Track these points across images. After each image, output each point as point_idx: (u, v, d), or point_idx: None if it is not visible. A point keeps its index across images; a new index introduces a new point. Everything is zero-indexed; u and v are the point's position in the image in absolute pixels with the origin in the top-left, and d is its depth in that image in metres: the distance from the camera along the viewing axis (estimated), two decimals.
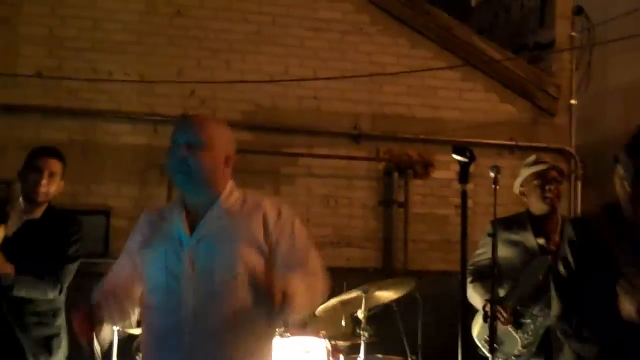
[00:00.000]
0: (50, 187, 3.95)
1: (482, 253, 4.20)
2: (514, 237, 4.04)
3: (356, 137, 7.11)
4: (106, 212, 6.49)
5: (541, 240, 3.98)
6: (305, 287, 2.48)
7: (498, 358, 4.03)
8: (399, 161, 7.10)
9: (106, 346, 2.59)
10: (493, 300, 3.65)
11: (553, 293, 2.44)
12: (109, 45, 6.71)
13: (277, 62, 6.98)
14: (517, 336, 3.93)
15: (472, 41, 7.34)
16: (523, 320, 3.96)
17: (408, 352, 4.77)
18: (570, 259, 2.40)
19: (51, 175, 3.96)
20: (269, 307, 2.36)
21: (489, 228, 4.01)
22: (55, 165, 4.02)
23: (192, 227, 2.60)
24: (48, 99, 6.57)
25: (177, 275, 2.54)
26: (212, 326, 2.50)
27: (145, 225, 2.72)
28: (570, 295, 2.38)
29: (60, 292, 3.83)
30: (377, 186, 7.14)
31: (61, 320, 3.92)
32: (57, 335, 3.89)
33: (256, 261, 2.57)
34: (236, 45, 6.93)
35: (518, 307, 3.95)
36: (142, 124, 6.74)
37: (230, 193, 2.70)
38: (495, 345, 4.03)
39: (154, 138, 6.73)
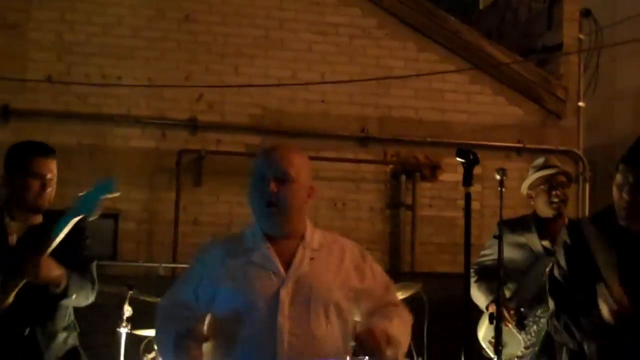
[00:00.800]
0: (52, 192, 3.47)
1: (488, 254, 4.21)
2: (520, 239, 4.05)
3: (364, 141, 7.12)
4: (115, 216, 6.53)
5: (546, 243, 3.99)
6: (402, 327, 2.56)
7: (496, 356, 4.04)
8: (407, 164, 7.11)
9: None
10: (499, 302, 3.65)
11: (548, 293, 2.54)
12: (118, 50, 6.75)
13: (285, 66, 7.00)
14: (520, 337, 3.94)
15: (480, 44, 7.35)
16: (526, 322, 3.96)
17: (414, 353, 4.78)
18: (563, 261, 2.50)
19: (51, 178, 3.47)
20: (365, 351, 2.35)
21: (495, 230, 4.01)
22: (54, 165, 3.51)
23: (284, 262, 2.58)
24: (57, 104, 6.62)
25: (273, 310, 2.48)
26: None
27: (215, 257, 2.63)
28: (560, 296, 2.49)
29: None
30: (384, 189, 7.16)
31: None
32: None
33: (347, 305, 2.59)
34: (244, 50, 6.96)
35: (521, 309, 3.96)
36: (150, 128, 6.78)
37: (313, 231, 2.71)
38: (500, 347, 4.05)
39: (163, 142, 6.77)
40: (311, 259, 2.59)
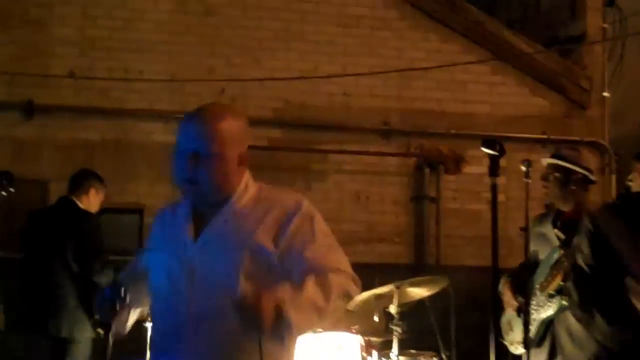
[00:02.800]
0: None
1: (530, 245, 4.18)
2: (541, 229, 4.02)
3: (386, 133, 7.09)
4: (139, 211, 6.55)
5: (558, 232, 3.94)
6: (312, 292, 2.19)
7: (505, 342, 4.02)
8: (430, 156, 7.07)
9: (125, 331, 2.53)
10: (526, 295, 3.63)
11: (571, 282, 2.50)
12: (140, 44, 6.77)
13: (307, 59, 6.98)
14: (521, 322, 3.91)
15: (502, 35, 7.28)
16: (529, 309, 3.92)
17: (441, 347, 4.76)
18: (587, 249, 2.47)
19: None
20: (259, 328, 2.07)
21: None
22: None
23: (199, 231, 2.37)
24: (81, 99, 6.65)
25: (177, 284, 2.33)
26: (202, 346, 2.26)
27: (157, 224, 2.53)
28: (586, 287, 2.46)
29: None
30: (408, 182, 7.12)
31: None
32: None
33: (262, 273, 2.29)
34: (266, 43, 6.96)
35: (522, 298, 3.93)
36: (173, 122, 6.77)
37: (245, 190, 2.42)
38: (504, 332, 4.04)
39: None
40: (225, 221, 2.36)
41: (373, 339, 4.47)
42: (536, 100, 7.36)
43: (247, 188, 2.43)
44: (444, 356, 4.73)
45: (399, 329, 4.34)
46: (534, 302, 3.87)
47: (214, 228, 2.34)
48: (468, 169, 7.12)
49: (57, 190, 6.56)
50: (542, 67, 7.33)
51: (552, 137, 7.22)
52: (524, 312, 3.79)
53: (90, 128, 6.67)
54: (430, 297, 4.64)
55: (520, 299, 3.94)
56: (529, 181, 3.55)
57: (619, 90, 7.45)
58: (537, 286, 3.85)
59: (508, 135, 6.88)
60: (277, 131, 6.82)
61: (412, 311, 4.62)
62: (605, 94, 7.39)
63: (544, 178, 3.97)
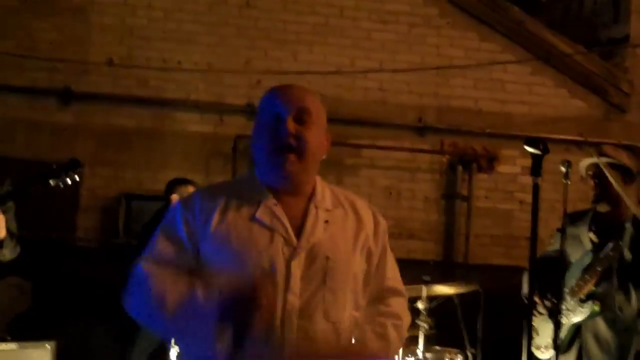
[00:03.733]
0: None
1: (550, 245, 4.12)
2: (575, 231, 3.95)
3: (421, 130, 7.06)
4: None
5: (592, 236, 3.87)
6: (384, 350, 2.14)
7: (532, 348, 3.98)
8: (463, 155, 7.03)
9: None
10: (560, 297, 3.58)
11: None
12: (179, 35, 6.81)
13: (344, 54, 6.97)
14: (549, 326, 3.85)
15: (542, 35, 7.20)
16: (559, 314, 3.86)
17: (467, 345, 4.73)
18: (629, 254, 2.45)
19: None
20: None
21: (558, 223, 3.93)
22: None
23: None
24: (118, 87, 6.72)
25: (281, 285, 2.02)
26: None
27: (221, 202, 2.09)
28: (624, 270, 2.43)
29: None
30: (440, 179, 7.09)
31: None
32: None
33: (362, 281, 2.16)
34: (303, 37, 6.96)
35: (555, 300, 3.85)
36: (209, 113, 6.83)
37: (323, 186, 2.20)
38: (533, 335, 3.98)
39: (220, 127, 6.82)
40: (326, 221, 2.11)
41: None
42: (575, 102, 7.27)
43: (323, 184, 2.22)
44: (469, 354, 4.71)
45: (425, 325, 4.33)
46: (563, 307, 3.81)
47: (317, 227, 2.09)
48: (501, 168, 7.07)
49: (91, 175, 6.64)
50: (582, 68, 7.24)
51: (589, 139, 7.12)
52: (554, 315, 3.74)
53: (127, 116, 6.73)
54: (458, 295, 4.62)
55: (547, 302, 3.86)
56: (568, 182, 3.50)
57: None
58: (567, 290, 3.79)
59: (545, 136, 6.79)
60: None
61: (440, 308, 4.60)
62: None
63: (596, 176, 3.86)
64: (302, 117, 2.10)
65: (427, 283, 4.35)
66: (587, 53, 7.29)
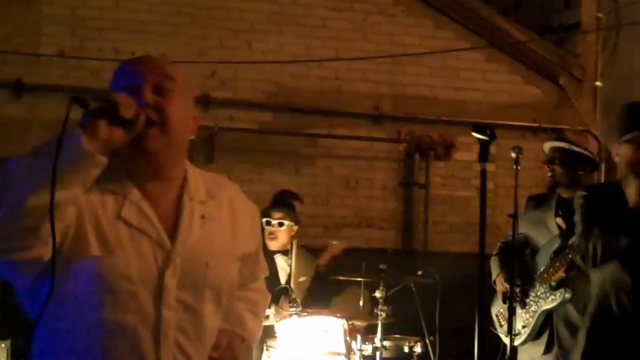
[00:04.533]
0: None
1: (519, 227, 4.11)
2: (540, 215, 3.96)
3: (377, 118, 7.07)
4: None
5: (560, 221, 3.89)
6: (257, 327, 2.11)
7: (499, 333, 4.01)
8: (420, 143, 7.06)
9: None
10: (512, 282, 3.61)
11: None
12: (131, 25, 6.71)
13: (299, 43, 6.94)
14: (522, 315, 3.88)
15: (496, 22, 7.25)
16: (527, 300, 3.88)
17: (426, 333, 4.77)
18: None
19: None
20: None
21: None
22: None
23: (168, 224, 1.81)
24: (70, 79, 6.60)
25: (154, 298, 1.76)
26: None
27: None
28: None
29: None
30: (397, 167, 7.12)
31: None
32: None
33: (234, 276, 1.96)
34: (258, 26, 6.91)
35: (525, 287, 3.87)
36: None
37: (195, 175, 1.92)
38: (502, 322, 4.02)
39: None
40: (202, 216, 1.84)
41: (357, 323, 4.47)
42: (528, 89, 7.35)
43: (193, 169, 1.96)
44: (427, 341, 4.74)
45: (383, 314, 4.34)
46: (532, 294, 3.83)
47: (192, 226, 1.82)
48: (458, 155, 7.12)
49: None
50: (535, 55, 7.31)
51: (543, 125, 7.21)
52: (519, 300, 3.77)
53: (80, 108, 6.60)
54: (416, 283, 4.64)
55: (516, 289, 3.86)
56: (519, 168, 3.53)
57: (612, 80, 7.43)
58: (536, 276, 3.80)
59: (499, 123, 6.87)
60: (268, 114, 6.79)
61: (397, 296, 4.62)
62: (598, 83, 7.37)
63: (550, 161, 3.86)
64: (163, 86, 1.79)
65: (384, 272, 4.36)
66: (540, 39, 7.36)
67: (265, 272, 2.19)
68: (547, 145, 3.96)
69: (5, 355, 4.53)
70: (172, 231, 1.79)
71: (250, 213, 2.01)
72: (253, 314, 2.08)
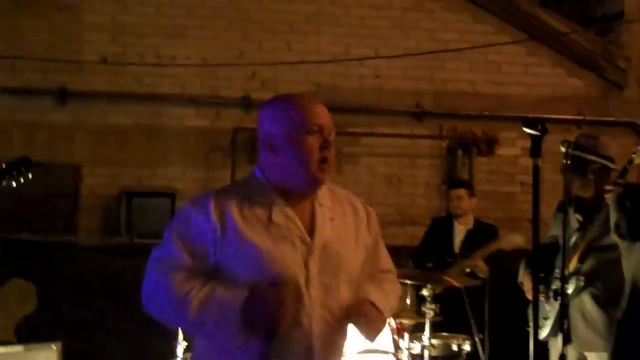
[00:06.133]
0: None
1: (549, 232, 4.12)
2: (564, 217, 3.95)
3: (419, 115, 7.03)
4: (171, 195, 6.58)
5: (578, 216, 3.87)
6: (385, 299, 2.38)
7: (529, 329, 3.97)
8: (463, 139, 7.00)
9: None
10: (545, 280, 3.57)
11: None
12: (171, 30, 6.77)
13: (338, 42, 6.94)
14: (544, 307, 3.87)
15: (537, 14, 7.16)
16: (550, 293, 3.87)
17: (475, 331, 4.71)
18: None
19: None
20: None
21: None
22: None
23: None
24: (113, 85, 6.69)
25: (302, 282, 2.19)
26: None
27: (236, 202, 2.20)
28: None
29: None
30: (440, 164, 7.07)
31: None
32: None
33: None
34: (297, 26, 6.92)
35: (548, 280, 3.87)
36: (205, 107, 6.80)
37: (322, 187, 2.34)
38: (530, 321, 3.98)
39: (217, 121, 6.79)
40: (331, 219, 2.28)
41: (405, 321, 4.44)
42: (572, 81, 7.24)
43: None
44: (477, 339, 4.69)
45: (431, 312, 4.30)
46: (553, 287, 3.82)
47: (325, 226, 2.26)
48: (501, 150, 7.05)
49: (90, 174, 6.62)
50: (578, 47, 7.20)
51: (588, 118, 7.10)
52: (542, 294, 3.75)
53: (123, 113, 6.70)
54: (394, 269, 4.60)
55: (541, 287, 3.86)
56: (569, 162, 3.47)
57: None
58: (557, 271, 3.79)
59: (543, 117, 6.75)
60: None
61: (446, 294, 4.58)
62: None
63: (562, 170, 3.87)
64: (330, 137, 2.29)
65: (430, 270, 4.33)
66: (583, 31, 7.25)
67: (391, 267, 2.53)
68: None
69: (56, 357, 4.59)
70: (311, 231, 2.24)
71: (367, 214, 2.40)
72: (378, 288, 2.39)
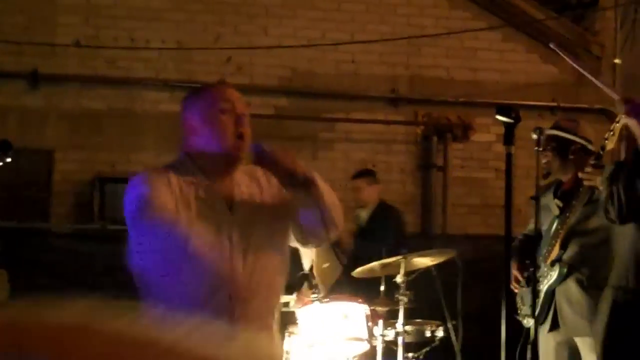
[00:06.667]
0: None
1: (532, 217, 4.14)
2: (544, 201, 3.97)
3: (394, 101, 7.03)
4: None
5: (558, 202, 3.90)
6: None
7: (518, 318, 4.00)
8: (438, 125, 7.01)
9: None
10: (535, 266, 3.60)
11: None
12: (146, 12, 6.70)
13: (314, 27, 6.91)
14: (529, 295, 3.90)
15: (512, 1, 7.17)
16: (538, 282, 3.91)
17: (448, 317, 4.74)
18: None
19: None
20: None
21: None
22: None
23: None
24: (86, 68, 6.61)
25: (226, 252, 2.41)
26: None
27: (175, 181, 2.46)
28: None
29: None
30: (415, 150, 7.08)
31: None
32: None
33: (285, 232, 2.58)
34: (273, 10, 6.87)
35: (532, 269, 3.90)
36: (180, 91, 6.72)
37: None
38: (518, 308, 4.02)
39: None
40: (249, 195, 2.51)
41: (379, 308, 4.45)
42: (546, 68, 7.27)
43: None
44: (450, 326, 4.72)
45: (405, 299, 4.32)
46: (538, 274, 3.85)
47: (244, 203, 2.48)
48: (476, 137, 7.07)
49: (63, 159, 6.55)
50: (553, 33, 7.22)
51: (562, 104, 7.14)
52: (533, 283, 3.76)
53: (96, 97, 6.63)
54: (436, 266, 4.61)
55: (525, 273, 3.90)
56: (540, 149, 3.49)
57: (631, 57, 7.34)
58: (541, 258, 3.83)
59: (517, 103, 6.79)
60: (284, 99, 6.77)
61: (419, 280, 4.60)
62: (617, 60, 7.28)
63: (543, 149, 3.91)
64: (243, 112, 2.50)
65: (404, 255, 4.34)
66: (558, 18, 7.27)
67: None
68: (552, 133, 3.98)
69: None
70: (230, 204, 2.48)
71: (264, 176, 2.57)
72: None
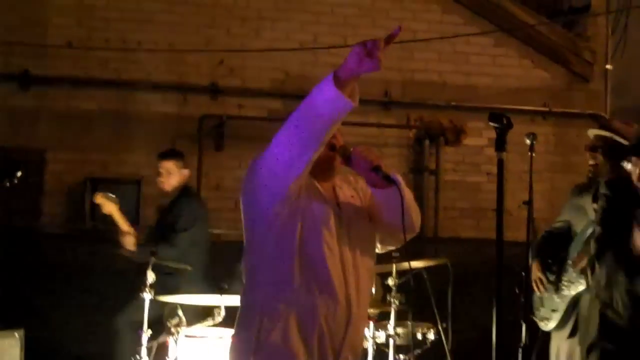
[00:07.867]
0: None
1: (559, 219, 4.07)
2: (580, 201, 3.89)
3: (387, 105, 7.04)
4: (137, 181, 6.52)
5: (596, 206, 3.80)
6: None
7: (535, 318, 4.00)
8: (430, 128, 7.03)
9: None
10: (559, 269, 3.59)
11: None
12: (138, 14, 6.69)
13: (307, 30, 6.91)
14: (553, 298, 3.88)
15: (505, 6, 7.20)
16: (560, 285, 3.88)
17: (438, 319, 4.75)
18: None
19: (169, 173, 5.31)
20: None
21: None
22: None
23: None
24: (78, 70, 6.60)
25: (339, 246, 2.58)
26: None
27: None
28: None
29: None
30: (407, 154, 7.09)
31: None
32: None
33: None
34: (266, 13, 6.88)
35: (559, 272, 3.86)
36: (171, 93, 6.74)
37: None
38: (535, 308, 4.01)
39: (184, 107, 6.74)
40: (351, 196, 2.69)
41: (370, 310, 4.46)
42: (538, 73, 7.30)
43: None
44: (440, 328, 4.73)
45: (396, 301, 4.34)
46: (565, 278, 3.80)
47: (347, 202, 2.68)
48: (468, 141, 7.09)
49: (54, 160, 6.53)
50: (545, 39, 7.26)
51: (554, 109, 7.18)
52: (553, 285, 3.74)
53: (88, 98, 6.62)
54: (427, 269, 4.63)
55: (550, 276, 3.86)
56: (533, 154, 3.51)
57: (622, 62, 7.38)
58: (570, 262, 3.78)
59: (509, 108, 6.83)
60: (277, 102, 6.77)
61: (410, 283, 4.61)
62: (608, 66, 7.32)
63: (592, 149, 3.76)
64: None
65: (396, 259, 4.35)
66: (550, 23, 7.31)
67: None
68: (592, 132, 3.86)
69: (18, 345, 4.52)
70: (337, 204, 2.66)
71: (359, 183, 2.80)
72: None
